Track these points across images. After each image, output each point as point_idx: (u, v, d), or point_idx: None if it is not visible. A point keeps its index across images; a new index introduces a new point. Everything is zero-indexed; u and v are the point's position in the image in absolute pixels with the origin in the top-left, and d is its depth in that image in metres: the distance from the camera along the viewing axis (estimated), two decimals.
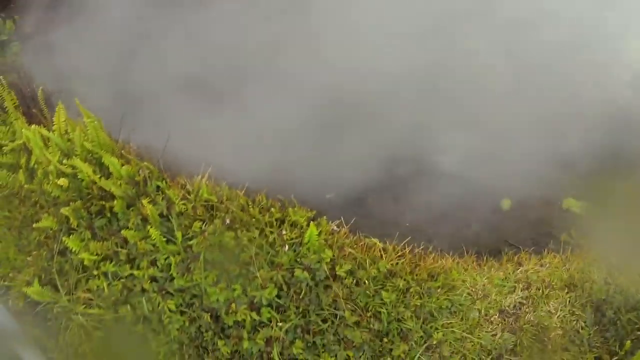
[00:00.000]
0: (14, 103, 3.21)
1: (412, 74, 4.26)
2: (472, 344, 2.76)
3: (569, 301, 3.09)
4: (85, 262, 2.87)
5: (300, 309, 2.63)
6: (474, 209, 3.97)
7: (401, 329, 2.68)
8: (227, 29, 4.61)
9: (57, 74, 4.50)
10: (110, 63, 4.47)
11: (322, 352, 2.55)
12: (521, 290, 3.11)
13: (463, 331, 2.76)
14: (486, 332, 2.83)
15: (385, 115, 4.27)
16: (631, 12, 4.62)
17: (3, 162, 3.24)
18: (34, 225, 2.94)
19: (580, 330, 2.95)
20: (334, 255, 2.71)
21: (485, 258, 3.24)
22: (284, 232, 2.73)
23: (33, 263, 3.04)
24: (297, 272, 2.62)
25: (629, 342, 2.79)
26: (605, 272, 3.28)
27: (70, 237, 2.87)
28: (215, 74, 4.26)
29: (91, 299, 2.79)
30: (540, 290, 3.11)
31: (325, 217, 2.92)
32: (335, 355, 2.51)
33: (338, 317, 2.62)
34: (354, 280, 2.72)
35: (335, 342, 2.56)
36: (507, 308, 3.01)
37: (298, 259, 2.70)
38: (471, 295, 2.93)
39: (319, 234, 2.77)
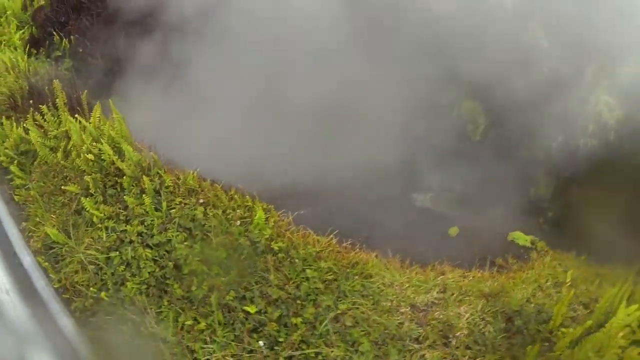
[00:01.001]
0: (64, 101, 4.63)
1: None
2: (377, 324, 3.63)
3: (482, 308, 3.82)
4: (94, 219, 4.08)
5: (240, 269, 3.69)
6: (424, 231, 4.95)
7: (315, 299, 3.64)
8: None
9: (98, 83, 6.08)
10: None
11: (249, 303, 3.55)
12: (437, 293, 3.97)
13: (371, 312, 3.66)
14: (394, 319, 3.69)
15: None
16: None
17: (47, 144, 4.61)
18: (62, 187, 4.23)
19: (487, 334, 3.66)
20: (273, 234, 3.80)
21: (410, 263, 4.18)
22: (237, 211, 3.87)
23: (55, 218, 4.28)
24: (242, 240, 3.71)
25: (530, 348, 3.33)
26: (530, 292, 4.09)
27: (87, 199, 4.11)
28: None
29: (92, 244, 3.97)
30: (455, 296, 3.94)
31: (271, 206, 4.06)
32: (257, 306, 3.51)
33: (266, 279, 3.65)
34: (287, 257, 3.77)
35: (259, 296, 3.56)
36: (418, 304, 3.86)
37: (246, 233, 3.80)
38: (386, 287, 3.86)
39: (267, 219, 3.89)
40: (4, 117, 5.01)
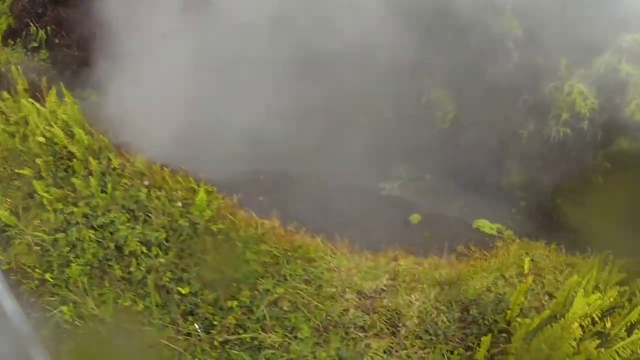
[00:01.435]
0: (24, 87, 4.78)
1: None
2: (319, 310, 3.63)
3: (435, 296, 3.71)
4: (44, 202, 4.19)
5: (178, 251, 3.75)
6: (384, 219, 4.93)
7: (254, 282, 3.67)
8: None
9: (74, 74, 6.24)
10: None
11: (184, 284, 3.61)
12: (387, 279, 3.91)
13: (312, 298, 3.67)
14: (337, 305, 3.68)
15: None
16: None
17: (7, 130, 4.76)
18: (16, 170, 4.37)
19: (439, 323, 3.56)
20: (214, 216, 3.85)
21: (360, 249, 4.16)
22: (179, 192, 3.94)
23: (9, 202, 4.42)
24: (182, 221, 3.78)
25: (484, 338, 3.21)
26: (491, 280, 4.01)
27: (39, 182, 4.24)
28: None
29: (40, 226, 4.09)
30: (407, 283, 3.88)
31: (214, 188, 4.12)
32: (192, 288, 3.57)
33: (204, 261, 3.71)
34: (227, 239, 3.81)
35: (196, 278, 3.61)
36: (366, 291, 3.82)
37: (187, 214, 3.87)
38: (330, 272, 3.86)
39: (210, 201, 3.95)
40: None
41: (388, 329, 3.55)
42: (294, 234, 3.97)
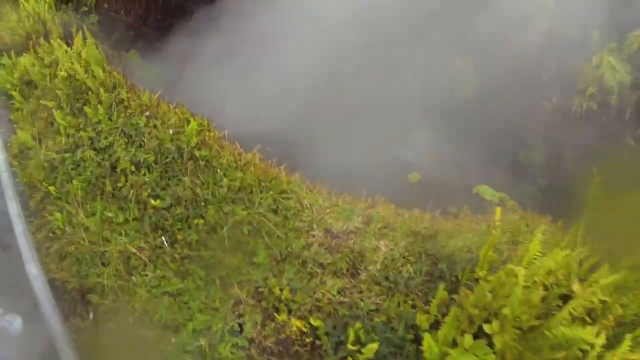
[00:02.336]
0: (59, 35, 5.56)
1: None
2: (281, 240, 3.89)
3: (405, 246, 3.77)
4: (60, 129, 4.88)
5: (162, 171, 4.21)
6: (384, 176, 5.07)
7: (220, 204, 4.01)
8: None
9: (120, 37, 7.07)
10: None
11: (161, 199, 4.04)
12: (359, 223, 4.08)
13: (276, 227, 3.94)
14: (302, 240, 3.92)
15: None
16: None
17: (41, 71, 5.56)
18: (41, 102, 5.10)
19: (404, 273, 3.62)
20: (199, 143, 4.28)
21: (339, 192, 4.37)
22: (171, 120, 4.42)
23: (34, 129, 5.16)
24: (169, 145, 4.24)
25: (440, 288, 3.17)
26: (475, 242, 3.98)
27: (58, 111, 4.93)
28: None
29: (53, 147, 4.75)
30: (379, 229, 4.02)
31: (207, 120, 4.54)
32: (165, 203, 3.99)
33: (182, 180, 4.13)
34: (209, 165, 4.22)
35: (171, 196, 4.03)
36: (334, 230, 4.02)
37: (176, 140, 4.33)
38: (303, 208, 4.12)
39: (200, 132, 4.39)
40: (21, 54, 6.10)
41: (348, 270, 3.64)
42: (273, 167, 4.27)
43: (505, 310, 2.58)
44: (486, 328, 2.64)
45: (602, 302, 2.98)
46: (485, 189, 4.93)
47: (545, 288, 3.02)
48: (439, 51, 5.82)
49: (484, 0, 5.56)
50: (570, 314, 2.72)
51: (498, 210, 3.75)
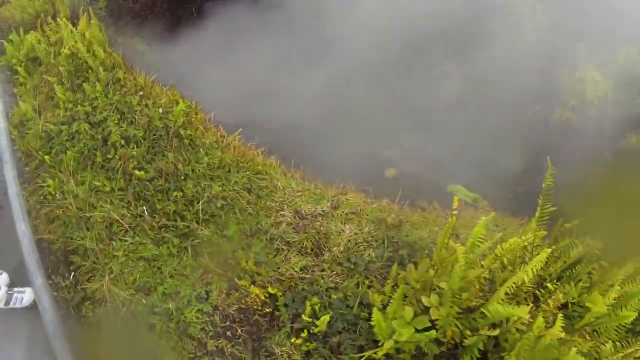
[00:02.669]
0: (66, 15, 5.97)
1: None
2: (252, 217, 4.18)
3: (369, 232, 4.02)
4: (59, 102, 5.25)
5: (149, 146, 4.55)
6: (360, 170, 5.35)
7: (199, 180, 4.35)
8: None
9: (126, 24, 7.48)
10: None
11: (146, 171, 4.37)
12: (327, 207, 4.38)
13: (248, 205, 4.26)
14: (271, 218, 4.23)
15: None
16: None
17: (47, 49, 5.96)
18: (44, 77, 5.49)
19: (365, 256, 3.84)
20: (184, 123, 4.63)
21: (312, 178, 4.68)
22: (162, 101, 4.77)
23: (35, 102, 5.55)
24: (157, 123, 4.59)
25: (393, 267, 3.44)
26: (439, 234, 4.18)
27: (59, 86, 5.31)
28: None
29: (51, 119, 5.12)
30: (345, 214, 4.32)
31: (195, 102, 4.89)
32: (148, 175, 4.32)
33: (166, 156, 4.47)
34: (192, 144, 4.56)
35: (155, 169, 4.35)
36: (303, 211, 4.33)
37: (165, 119, 4.68)
38: (275, 189, 4.43)
39: (187, 113, 4.74)
40: (29, 31, 6.52)
41: (312, 249, 3.90)
42: (252, 150, 4.60)
43: (443, 285, 2.86)
44: (424, 300, 2.91)
45: (544, 287, 3.27)
46: (459, 189, 5.19)
47: (491, 272, 3.30)
48: (425, 55, 6.11)
49: (475, 10, 5.85)
50: (507, 294, 2.96)
51: (455, 199, 3.95)
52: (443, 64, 6.09)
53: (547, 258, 3.24)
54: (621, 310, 2.89)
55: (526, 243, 3.05)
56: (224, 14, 7.89)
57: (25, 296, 3.69)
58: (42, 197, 4.46)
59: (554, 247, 3.14)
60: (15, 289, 3.71)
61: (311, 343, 3.40)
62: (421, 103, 5.95)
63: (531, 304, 3.06)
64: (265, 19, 7.63)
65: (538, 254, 3.03)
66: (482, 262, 3.17)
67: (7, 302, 3.64)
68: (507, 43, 5.71)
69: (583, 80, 5.42)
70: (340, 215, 4.14)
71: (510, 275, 3.18)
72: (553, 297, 2.95)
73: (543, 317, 2.84)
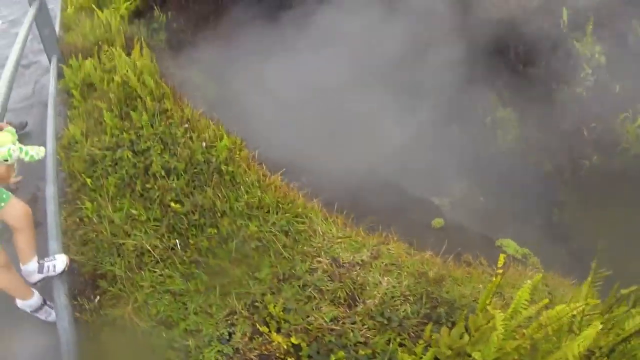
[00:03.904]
0: (122, 43, 6.54)
1: None
2: (287, 262, 4.33)
3: (408, 286, 4.04)
4: (107, 128, 5.70)
5: (189, 180, 4.85)
6: (408, 219, 5.45)
7: (236, 218, 4.55)
8: None
9: (185, 56, 8.09)
10: None
11: (183, 204, 4.64)
12: (367, 256, 4.46)
13: (284, 249, 4.40)
14: (307, 264, 4.35)
15: None
16: None
17: (102, 76, 6.52)
18: (95, 102, 6.01)
19: (400, 311, 3.83)
20: (227, 159, 4.91)
21: (354, 224, 4.79)
22: (206, 134, 5.09)
23: (84, 125, 6.05)
24: (199, 157, 4.89)
25: (427, 326, 3.51)
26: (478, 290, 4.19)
27: (108, 113, 5.79)
28: None
29: (96, 144, 5.56)
30: (385, 264, 4.38)
31: (240, 139, 5.17)
32: (185, 209, 4.57)
33: (205, 191, 4.74)
34: (233, 181, 4.82)
35: (193, 203, 4.61)
36: (341, 259, 4.41)
37: (207, 153, 4.99)
38: (314, 234, 4.56)
39: (231, 149, 5.03)
40: (87, 58, 7.19)
41: (345, 300, 3.92)
42: (294, 191, 4.80)
43: (476, 355, 2.86)
44: None
45: None
46: (509, 243, 5.16)
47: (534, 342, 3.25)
48: (483, 100, 6.24)
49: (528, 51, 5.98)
50: None
51: (501, 257, 3.93)
52: (498, 110, 6.19)
53: (600, 331, 3.19)
54: None
55: (575, 312, 3.00)
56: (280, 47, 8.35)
57: (57, 263, 3.87)
58: (78, 219, 4.78)
59: (606, 317, 3.06)
60: (45, 259, 3.90)
61: None
62: (473, 150, 6.03)
63: None
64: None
65: (588, 325, 2.99)
66: (524, 331, 3.14)
67: (40, 270, 3.81)
68: (565, 85, 5.77)
69: None
70: (380, 266, 4.20)
71: (555, 349, 3.14)
72: None
73: None
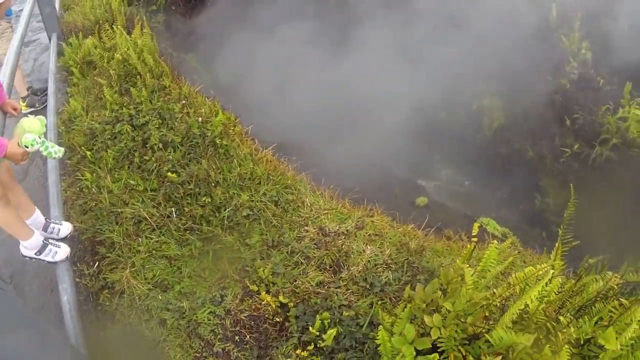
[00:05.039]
0: (122, 23, 6.77)
1: None
2: (276, 229, 4.60)
3: (390, 254, 4.32)
4: (106, 104, 5.95)
5: (185, 152, 5.11)
6: (389, 195, 5.73)
7: (229, 188, 4.83)
8: None
9: (182, 39, 8.31)
10: None
11: (179, 175, 4.90)
12: (352, 227, 4.73)
13: (273, 217, 4.69)
14: (295, 232, 4.63)
15: None
16: None
17: (102, 54, 6.76)
18: (95, 78, 6.24)
19: (382, 278, 4.14)
20: (222, 133, 5.17)
21: (341, 197, 5.07)
22: (203, 110, 5.35)
23: (85, 102, 6.29)
24: (195, 130, 5.15)
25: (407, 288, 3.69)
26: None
27: (108, 89, 6.03)
28: None
29: (96, 119, 5.81)
30: (369, 234, 4.64)
31: (235, 115, 5.44)
32: (181, 179, 4.83)
33: (200, 162, 5.00)
34: (227, 154, 5.08)
35: (188, 174, 4.86)
36: (327, 229, 4.69)
37: (203, 127, 5.25)
38: (302, 205, 4.84)
39: (225, 124, 5.29)
40: (87, 36, 7.41)
41: (331, 267, 4.22)
42: (284, 164, 5.06)
43: (447, 305, 3.14)
44: (426, 320, 3.19)
45: (556, 320, 3.47)
46: (489, 222, 5.45)
47: (504, 302, 3.53)
48: (472, 86, 6.52)
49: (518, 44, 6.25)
50: (515, 323, 3.18)
51: (475, 225, 4.12)
52: (485, 98, 6.47)
53: (567, 293, 3.49)
54: None
55: (541, 272, 3.27)
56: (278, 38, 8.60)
57: (62, 228, 4.13)
58: (79, 189, 5.03)
59: (572, 280, 3.34)
60: (52, 219, 4.13)
61: (317, 357, 3.70)
62: (461, 134, 6.31)
63: (540, 336, 3.24)
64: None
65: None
66: (495, 290, 3.42)
67: (44, 228, 4.04)
68: (550, 78, 6.05)
69: (626, 119, 5.66)
70: (364, 236, 4.47)
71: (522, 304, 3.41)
72: (564, 330, 3.13)
73: (551, 350, 3.04)
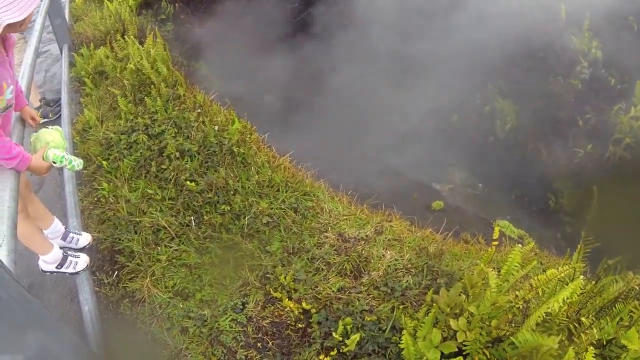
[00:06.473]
0: (134, 33, 6.88)
1: None
2: (296, 236, 4.69)
3: (410, 259, 4.42)
4: (121, 113, 6.05)
5: (202, 161, 5.19)
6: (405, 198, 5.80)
7: (247, 196, 4.91)
8: None
9: (192, 47, 8.42)
10: None
11: (197, 183, 5.00)
12: (370, 232, 4.82)
13: (293, 224, 4.77)
14: (315, 239, 4.71)
15: None
16: None
17: (114, 64, 6.86)
18: (109, 88, 6.34)
19: (402, 282, 4.22)
20: (239, 141, 5.25)
21: (359, 203, 5.15)
22: (218, 119, 5.44)
23: (99, 112, 6.39)
24: (212, 139, 5.24)
25: (429, 292, 3.76)
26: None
27: (122, 99, 6.12)
28: None
29: (112, 129, 5.90)
30: (388, 239, 4.72)
31: (251, 124, 5.52)
32: (199, 187, 4.92)
33: (218, 171, 5.09)
34: (244, 162, 5.16)
35: (206, 182, 4.96)
36: (347, 234, 4.77)
37: (219, 136, 5.34)
38: (321, 211, 4.92)
39: (242, 132, 5.38)
40: (98, 47, 7.52)
41: (351, 272, 4.30)
42: (302, 172, 5.14)
43: (472, 309, 3.21)
44: (452, 324, 3.26)
45: (578, 321, 3.53)
46: (506, 224, 5.50)
47: (526, 304, 3.59)
48: (482, 90, 6.60)
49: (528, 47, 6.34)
50: (539, 325, 3.25)
51: (496, 229, 4.26)
52: (496, 100, 6.54)
53: (588, 295, 3.54)
54: None
55: (563, 274, 3.33)
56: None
57: (81, 238, 4.25)
58: (95, 199, 5.12)
59: (593, 282, 3.39)
60: (72, 230, 4.22)
61: None
62: (474, 137, 6.37)
63: (563, 338, 3.31)
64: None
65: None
66: (517, 293, 3.49)
67: (64, 237, 4.13)
68: (561, 78, 6.11)
69: (638, 118, 5.71)
70: (383, 241, 4.55)
71: (546, 308, 3.47)
72: (587, 331, 3.20)
73: (575, 351, 3.10)
